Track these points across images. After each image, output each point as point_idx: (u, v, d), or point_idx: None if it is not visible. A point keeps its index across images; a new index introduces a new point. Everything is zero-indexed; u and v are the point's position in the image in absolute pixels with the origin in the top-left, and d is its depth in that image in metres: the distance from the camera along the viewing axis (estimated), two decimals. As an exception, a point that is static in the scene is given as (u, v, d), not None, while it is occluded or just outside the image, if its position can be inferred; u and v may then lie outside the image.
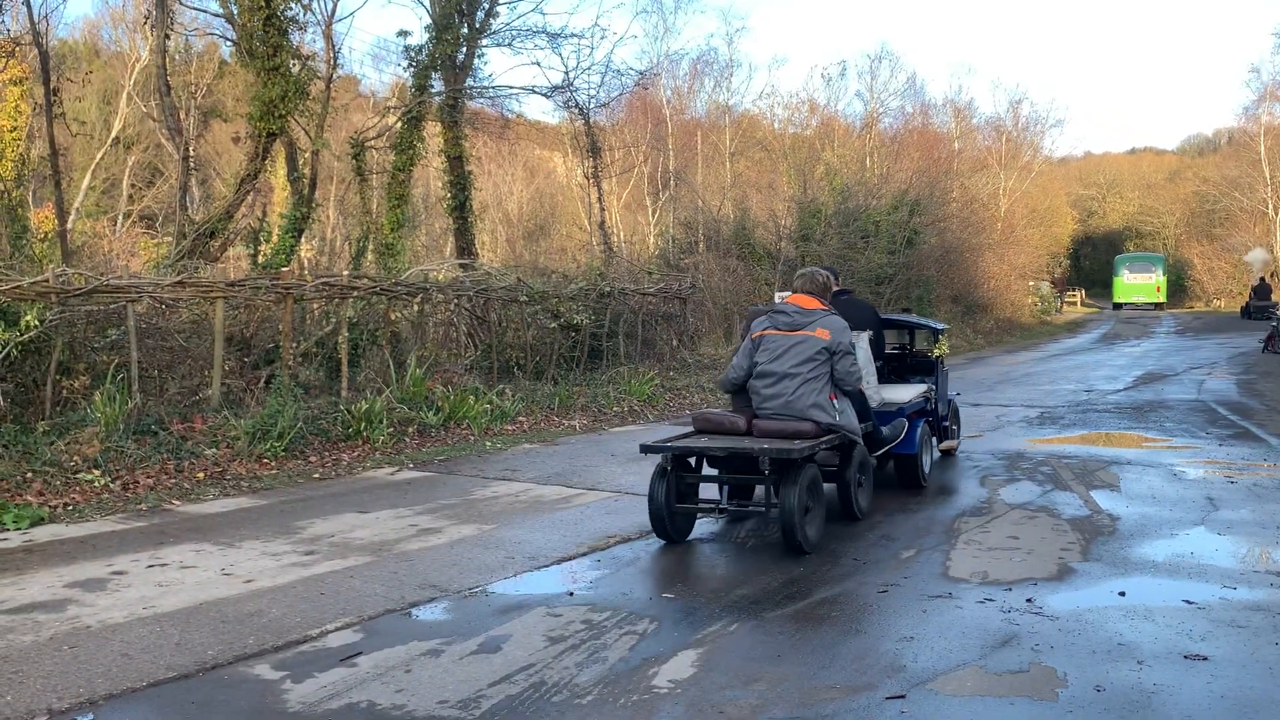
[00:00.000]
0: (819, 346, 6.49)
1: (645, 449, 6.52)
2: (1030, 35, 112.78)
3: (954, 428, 9.66)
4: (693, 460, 6.59)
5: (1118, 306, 49.48)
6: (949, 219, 32.62)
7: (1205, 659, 4.21)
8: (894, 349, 9.54)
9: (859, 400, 6.96)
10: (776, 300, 7.56)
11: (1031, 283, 42.88)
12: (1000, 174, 50.30)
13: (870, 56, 66.63)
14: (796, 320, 6.60)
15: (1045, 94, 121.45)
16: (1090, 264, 67.12)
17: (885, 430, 7.59)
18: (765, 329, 6.71)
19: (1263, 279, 40.61)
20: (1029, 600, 5.03)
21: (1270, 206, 48.91)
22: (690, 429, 6.91)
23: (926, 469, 8.19)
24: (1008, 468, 8.90)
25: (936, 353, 9.22)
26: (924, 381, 8.86)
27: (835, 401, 6.60)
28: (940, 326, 9.46)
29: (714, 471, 6.70)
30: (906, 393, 8.36)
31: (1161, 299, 48.86)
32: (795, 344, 6.53)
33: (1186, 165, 66.71)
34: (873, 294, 27.23)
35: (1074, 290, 57.40)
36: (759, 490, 6.97)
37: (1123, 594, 5.13)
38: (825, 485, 6.54)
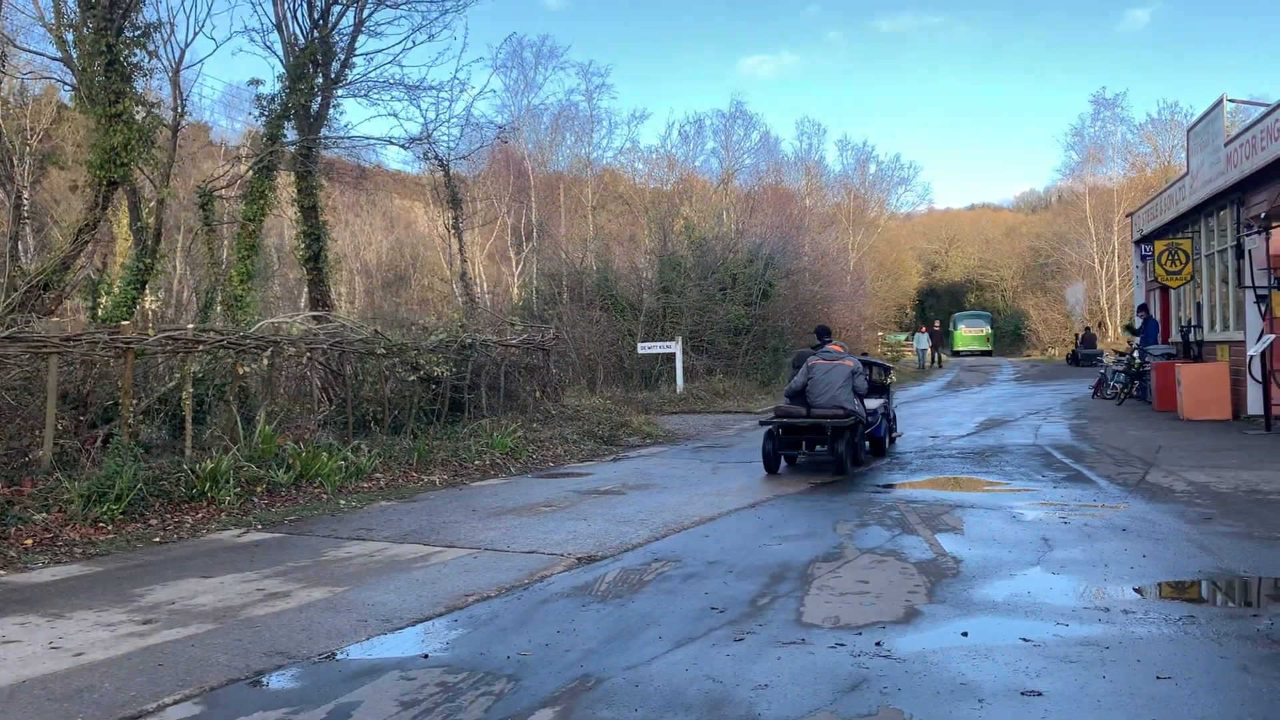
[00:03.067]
0: (849, 370, 12.02)
1: (762, 423, 12.53)
2: (875, 96, 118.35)
3: (896, 426, 15.23)
4: (779, 430, 11.93)
5: (956, 354, 56.88)
6: (801, 272, 33.75)
7: (1040, 694, 4.40)
8: None
9: (862, 402, 12.36)
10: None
11: (906, 336, 43.88)
12: (849, 229, 52.46)
13: (725, 115, 68.46)
14: (836, 355, 12.26)
15: (890, 152, 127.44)
16: (935, 314, 70.39)
17: (871, 420, 12.83)
18: (816, 360, 12.17)
19: (1088, 329, 43.72)
20: (878, 644, 5.18)
21: (1096, 261, 52.39)
22: (775, 415, 12.11)
23: (886, 446, 13.79)
24: (859, 513, 9.18)
25: (888, 381, 15.16)
26: (881, 398, 14.06)
27: (855, 400, 12.00)
28: (889, 365, 16.34)
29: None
30: (874, 403, 13.42)
31: (990, 347, 58.76)
32: (834, 368, 12.00)
33: (1021, 221, 70.89)
34: (732, 344, 27.86)
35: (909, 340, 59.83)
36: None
37: (965, 634, 5.34)
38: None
